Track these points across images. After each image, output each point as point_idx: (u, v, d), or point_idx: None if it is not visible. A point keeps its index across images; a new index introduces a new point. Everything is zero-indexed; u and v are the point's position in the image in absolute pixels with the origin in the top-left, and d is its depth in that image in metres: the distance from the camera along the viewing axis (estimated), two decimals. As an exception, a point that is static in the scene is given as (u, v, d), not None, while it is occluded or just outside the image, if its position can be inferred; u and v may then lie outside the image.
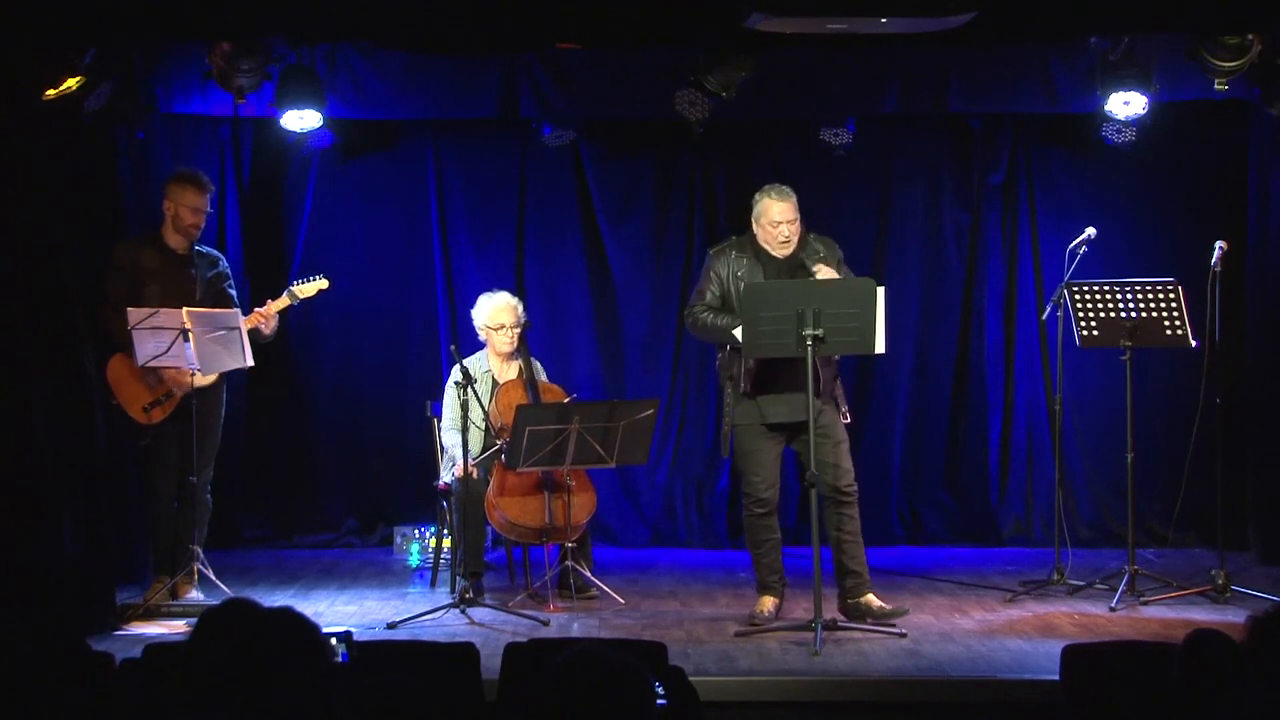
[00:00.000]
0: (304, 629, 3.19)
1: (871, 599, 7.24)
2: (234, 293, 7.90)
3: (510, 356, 8.09)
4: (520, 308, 8.09)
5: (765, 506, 7.23)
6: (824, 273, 7.08)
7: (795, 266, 7.20)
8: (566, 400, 7.84)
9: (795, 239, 7.20)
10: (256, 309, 7.74)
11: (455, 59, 8.43)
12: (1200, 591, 7.62)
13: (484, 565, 7.79)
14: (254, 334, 7.66)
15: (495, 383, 8.00)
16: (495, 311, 8.04)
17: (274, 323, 7.76)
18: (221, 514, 8.30)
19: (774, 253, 7.20)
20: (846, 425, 7.31)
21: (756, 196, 7.31)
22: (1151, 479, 8.77)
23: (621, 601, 7.66)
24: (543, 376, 8.10)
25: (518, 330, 8.02)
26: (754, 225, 7.29)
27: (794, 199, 7.22)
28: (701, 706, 4.55)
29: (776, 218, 7.17)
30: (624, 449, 7.48)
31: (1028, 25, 7.56)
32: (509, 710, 4.69)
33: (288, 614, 3.22)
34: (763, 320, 6.81)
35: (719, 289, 7.22)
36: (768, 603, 7.27)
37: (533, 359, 8.08)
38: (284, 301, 7.83)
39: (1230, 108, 8.67)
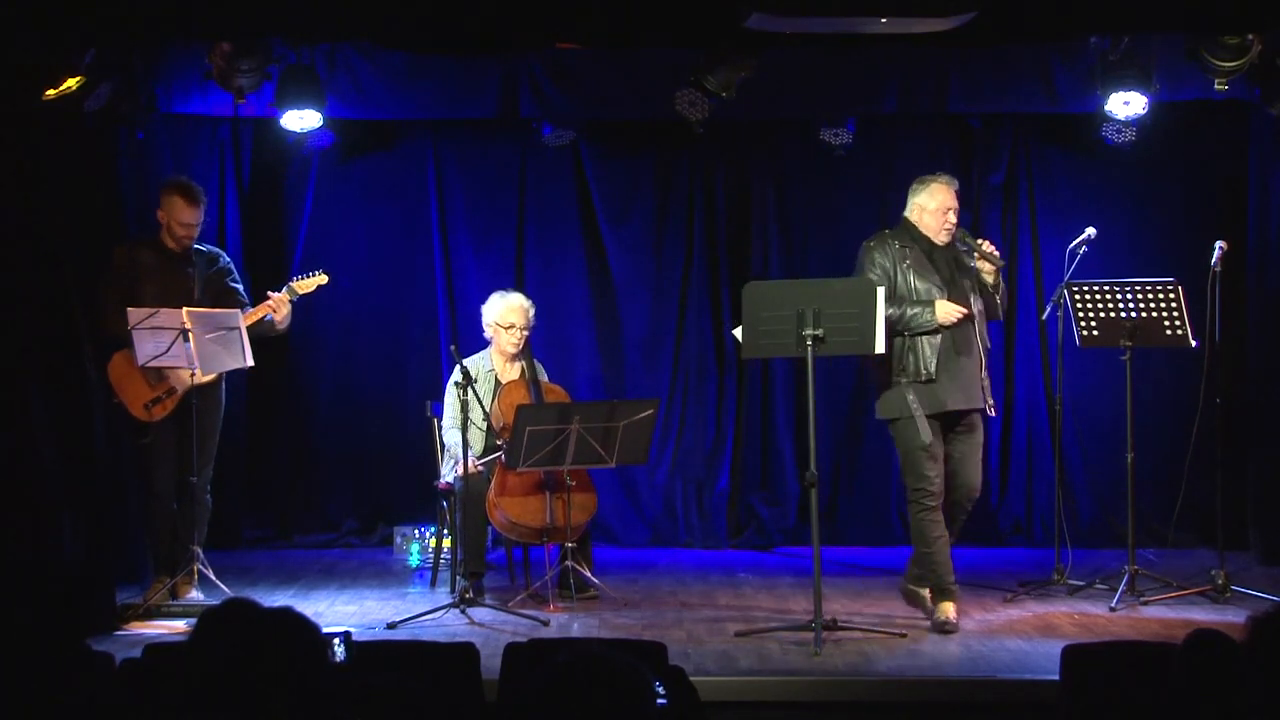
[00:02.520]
0: (304, 629, 3.19)
1: (946, 606, 7.19)
2: (239, 287, 7.89)
3: (514, 358, 8.09)
4: (531, 312, 8.09)
5: (937, 500, 7.12)
6: (989, 258, 7.18)
7: (953, 257, 7.28)
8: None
9: (953, 233, 7.28)
10: (270, 292, 7.74)
11: (455, 59, 8.43)
12: (1200, 591, 7.62)
13: (485, 565, 7.79)
14: (266, 325, 7.67)
15: (498, 382, 8.00)
16: (507, 310, 8.04)
17: (286, 310, 7.76)
18: (221, 514, 8.30)
19: (936, 240, 7.24)
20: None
21: (920, 183, 7.32)
22: (1151, 479, 8.75)
23: (622, 601, 7.66)
24: (544, 377, 8.10)
25: (525, 333, 8.02)
26: (916, 212, 7.28)
27: (955, 187, 7.30)
28: (702, 706, 4.55)
29: (949, 203, 7.24)
30: (624, 449, 7.47)
31: (1028, 25, 7.56)
32: (509, 710, 4.69)
33: (288, 614, 3.21)
34: (763, 320, 6.81)
35: (884, 278, 7.15)
36: (949, 608, 7.11)
37: (535, 361, 8.07)
38: (284, 298, 7.83)
39: (1230, 108, 8.67)
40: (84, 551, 7.38)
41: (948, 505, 7.18)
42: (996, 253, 7.29)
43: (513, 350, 8.04)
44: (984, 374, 7.26)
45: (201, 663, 3.12)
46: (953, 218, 7.25)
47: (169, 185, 7.74)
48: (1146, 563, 8.12)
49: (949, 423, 7.18)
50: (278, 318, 7.74)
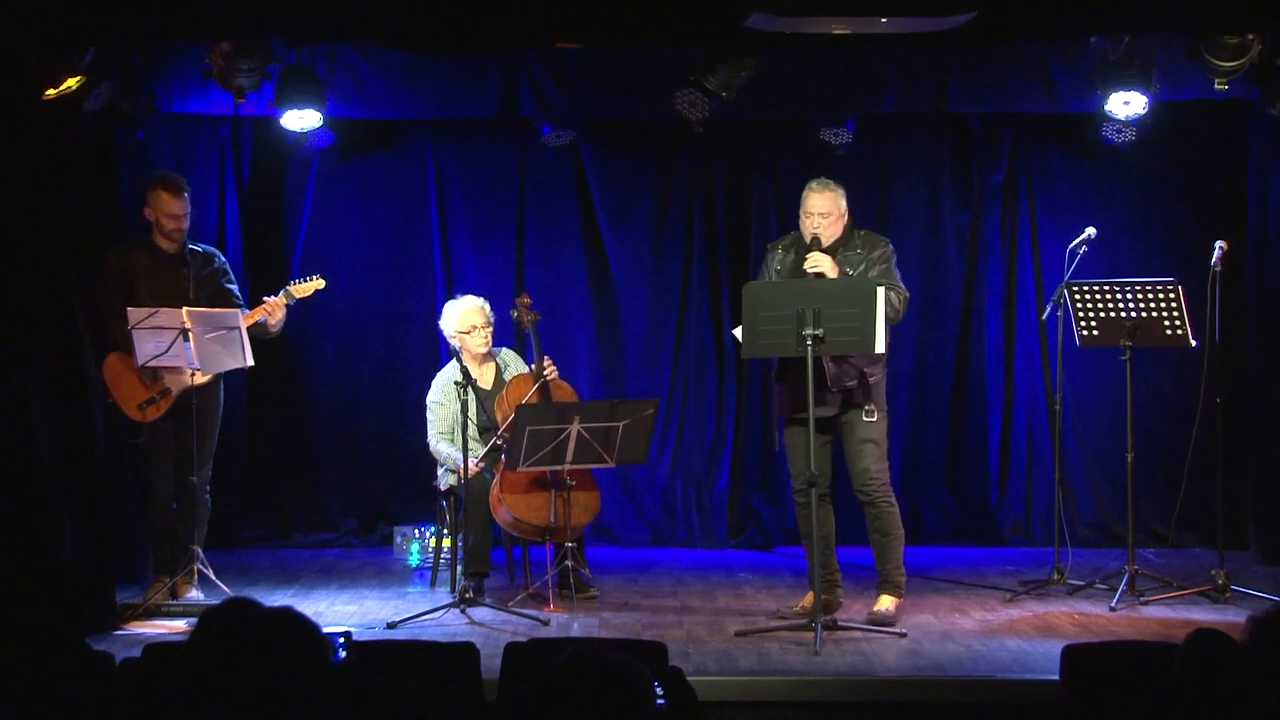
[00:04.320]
0: (304, 629, 3.19)
1: (881, 599, 7.25)
2: (235, 287, 7.89)
3: (487, 357, 8.08)
4: (488, 306, 8.08)
5: (804, 496, 7.10)
6: (814, 262, 7.11)
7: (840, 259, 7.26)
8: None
9: (827, 232, 7.20)
10: (266, 296, 7.75)
11: (455, 59, 8.42)
12: (1200, 591, 7.62)
13: (489, 566, 7.77)
14: (259, 328, 7.67)
15: (479, 389, 7.97)
16: (465, 316, 8.03)
17: (280, 315, 7.76)
18: (221, 514, 8.30)
19: (807, 240, 7.22)
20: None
21: None
22: (1151, 479, 8.76)
23: (622, 601, 7.66)
24: (522, 369, 8.08)
25: (490, 329, 8.02)
26: None
27: (832, 193, 7.23)
28: (700, 706, 4.55)
29: (808, 208, 7.24)
30: (624, 449, 7.47)
31: (1028, 25, 7.56)
32: (509, 710, 4.69)
33: (288, 614, 3.21)
34: (763, 320, 6.81)
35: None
36: (806, 600, 7.27)
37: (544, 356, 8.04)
38: (280, 301, 7.83)
39: (1230, 108, 8.67)
40: (84, 551, 7.38)
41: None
42: (819, 265, 7.13)
43: (485, 349, 8.04)
44: (849, 380, 7.12)
45: (202, 662, 3.12)
46: (815, 221, 7.20)
47: (151, 181, 7.76)
48: (1146, 563, 8.13)
49: (829, 424, 7.18)
50: (271, 321, 7.74)
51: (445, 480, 8.03)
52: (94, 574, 7.22)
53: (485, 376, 8.06)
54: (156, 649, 4.83)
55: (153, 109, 8.28)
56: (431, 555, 8.45)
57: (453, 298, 8.41)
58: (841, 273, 7.12)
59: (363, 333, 9.57)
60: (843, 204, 7.26)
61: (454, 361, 7.90)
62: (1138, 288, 7.61)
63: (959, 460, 9.64)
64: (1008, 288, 9.58)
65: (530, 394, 7.76)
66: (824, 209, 7.20)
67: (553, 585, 7.56)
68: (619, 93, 8.70)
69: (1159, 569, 8.13)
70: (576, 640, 6.51)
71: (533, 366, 7.98)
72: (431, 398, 8.03)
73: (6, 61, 6.97)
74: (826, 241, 7.19)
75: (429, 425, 8.03)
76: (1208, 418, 7.81)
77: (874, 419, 7.18)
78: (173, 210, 7.62)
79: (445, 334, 8.10)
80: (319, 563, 8.90)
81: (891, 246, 7.33)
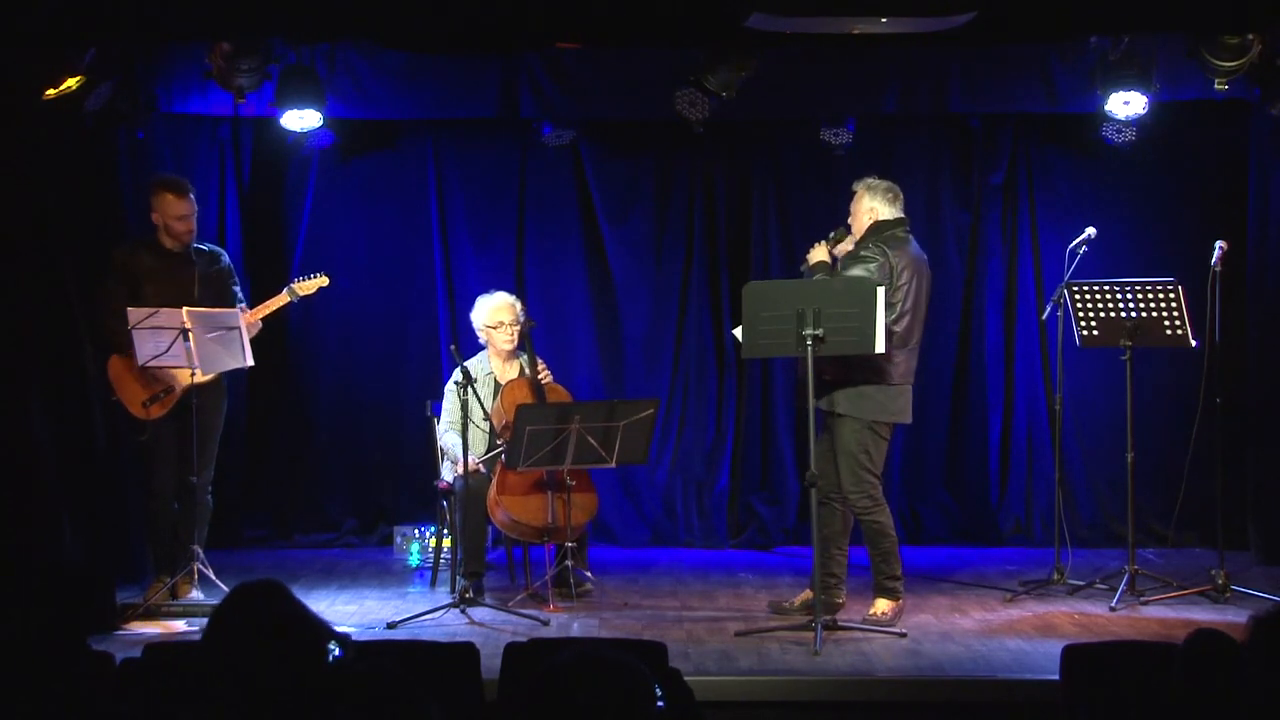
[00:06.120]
0: (320, 630, 3.18)
1: (876, 602, 7.25)
2: (238, 290, 7.90)
3: (511, 355, 8.10)
4: (519, 305, 8.11)
5: (825, 495, 7.17)
6: (814, 252, 7.27)
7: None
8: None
9: (855, 227, 7.31)
10: (242, 306, 7.76)
11: (455, 59, 8.43)
12: (1200, 591, 7.62)
13: (484, 565, 7.78)
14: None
15: (498, 384, 8.00)
16: (494, 310, 8.05)
17: (256, 326, 7.75)
18: (221, 514, 8.29)
19: None
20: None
21: None
22: (1151, 479, 8.75)
23: (622, 601, 7.65)
24: (545, 376, 8.10)
25: (517, 327, 8.03)
26: None
27: (857, 192, 7.32)
28: (698, 706, 4.54)
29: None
30: (624, 449, 7.47)
31: (1028, 25, 7.57)
32: (509, 710, 4.69)
33: (315, 616, 3.21)
34: (763, 320, 6.81)
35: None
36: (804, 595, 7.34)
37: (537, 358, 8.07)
38: (283, 299, 7.85)
39: (1230, 108, 8.67)
40: (84, 551, 7.39)
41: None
42: (811, 255, 7.29)
43: (509, 346, 8.05)
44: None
45: (222, 639, 3.11)
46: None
47: (154, 185, 7.74)
48: (1146, 563, 8.13)
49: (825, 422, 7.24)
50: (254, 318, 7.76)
51: (447, 475, 8.03)
52: (94, 574, 7.21)
53: (509, 373, 8.09)
54: (156, 649, 4.84)
55: (153, 109, 8.29)
56: (431, 555, 8.45)
57: (467, 296, 8.45)
58: (833, 269, 7.20)
59: (363, 332, 9.57)
60: (867, 203, 7.29)
61: (479, 356, 8.00)
62: (1138, 288, 7.61)
63: (959, 460, 9.64)
64: (1008, 288, 9.57)
65: (524, 398, 7.77)
66: (853, 208, 7.34)
67: (552, 585, 7.56)
68: (619, 93, 8.70)
69: (1159, 569, 8.13)
70: (576, 640, 6.51)
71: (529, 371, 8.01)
72: (449, 386, 8.03)
73: (6, 61, 6.97)
74: (855, 236, 7.32)
75: (443, 414, 8.04)
76: (1208, 418, 7.81)
77: (849, 427, 7.12)
78: (180, 212, 7.61)
79: (474, 326, 8.12)
80: (319, 563, 8.90)
81: (885, 258, 7.12)
